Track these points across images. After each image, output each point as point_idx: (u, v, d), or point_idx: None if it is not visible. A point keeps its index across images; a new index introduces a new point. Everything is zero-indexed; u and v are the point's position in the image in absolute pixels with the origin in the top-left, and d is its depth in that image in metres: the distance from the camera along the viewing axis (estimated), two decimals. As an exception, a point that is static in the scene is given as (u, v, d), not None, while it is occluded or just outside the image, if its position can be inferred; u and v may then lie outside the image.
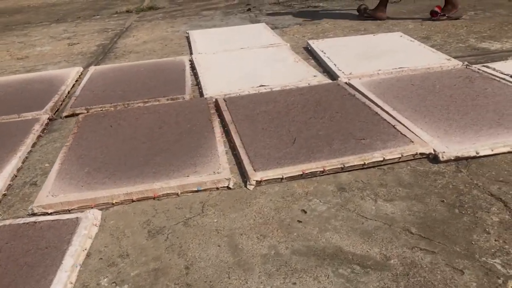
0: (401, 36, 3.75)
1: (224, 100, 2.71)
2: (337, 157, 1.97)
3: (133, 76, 3.36)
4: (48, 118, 2.77)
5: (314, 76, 3.01)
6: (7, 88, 3.32)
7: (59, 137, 2.54)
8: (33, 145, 2.44)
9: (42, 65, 4.00)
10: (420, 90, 2.63)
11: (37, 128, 2.60)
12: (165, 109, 2.71)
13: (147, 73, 3.39)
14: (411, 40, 3.60)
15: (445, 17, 4.26)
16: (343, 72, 3.00)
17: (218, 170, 1.94)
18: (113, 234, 1.67)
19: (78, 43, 4.75)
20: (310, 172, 1.91)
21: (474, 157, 1.94)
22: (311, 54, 3.62)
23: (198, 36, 4.36)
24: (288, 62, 3.34)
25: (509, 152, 1.97)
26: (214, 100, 2.75)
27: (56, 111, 2.92)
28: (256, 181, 1.88)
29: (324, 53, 3.43)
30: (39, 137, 2.55)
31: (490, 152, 1.96)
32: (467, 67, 2.94)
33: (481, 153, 1.96)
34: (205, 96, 2.85)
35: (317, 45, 3.69)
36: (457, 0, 4.25)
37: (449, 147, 1.99)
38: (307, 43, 3.80)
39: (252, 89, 2.87)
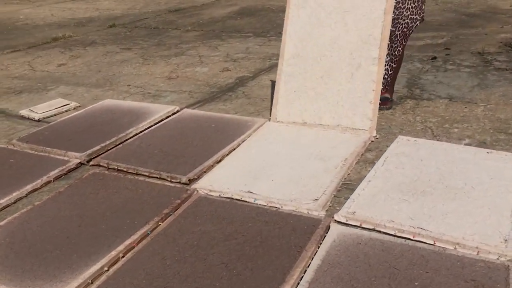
0: None
1: (200, 198, 2.66)
2: None
3: (197, 131, 3.54)
4: (80, 163, 3.24)
5: (315, 199, 2.58)
6: (102, 116, 3.96)
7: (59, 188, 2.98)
8: (27, 194, 2.95)
9: (171, 92, 4.53)
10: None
11: (53, 173, 3.09)
12: (142, 188, 2.82)
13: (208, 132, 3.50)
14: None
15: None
16: (348, 210, 2.47)
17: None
18: None
19: (229, 70, 5.11)
20: None
21: None
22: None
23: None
24: (329, 164, 2.92)
25: None
26: (195, 192, 2.72)
27: (97, 155, 3.35)
28: None
29: (375, 171, 2.83)
30: (47, 183, 3.04)
31: None
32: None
33: None
34: (192, 186, 2.82)
35: (394, 148, 3.05)
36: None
37: None
38: (398, 138, 3.19)
39: (237, 193, 2.68)
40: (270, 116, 3.58)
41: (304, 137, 3.29)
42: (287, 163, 2.95)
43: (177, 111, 3.99)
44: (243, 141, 3.32)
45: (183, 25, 7.63)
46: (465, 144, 3.10)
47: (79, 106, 4.34)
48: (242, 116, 3.79)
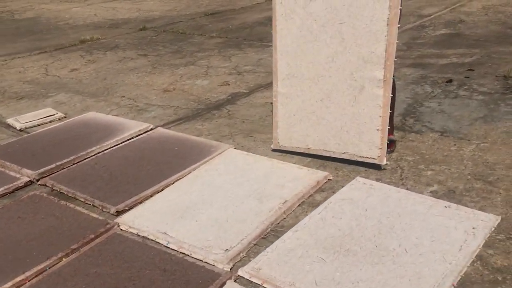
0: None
1: (114, 235, 2.57)
2: None
3: (157, 154, 3.46)
4: (30, 181, 3.26)
5: (227, 249, 2.40)
6: (78, 130, 3.98)
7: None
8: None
9: (158, 106, 4.49)
10: None
11: (-4, 191, 3.13)
12: (67, 217, 2.77)
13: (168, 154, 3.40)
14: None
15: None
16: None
17: None
18: None
19: (228, 84, 4.99)
20: None
21: None
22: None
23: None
24: (265, 206, 2.72)
25: None
26: (115, 227, 2.64)
27: (48, 175, 3.36)
28: None
29: (309, 219, 2.59)
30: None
31: None
32: None
33: None
34: (117, 219, 2.74)
35: (345, 192, 2.79)
36: None
37: None
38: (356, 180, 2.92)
39: (153, 233, 2.56)
40: (273, 135, 3.45)
41: (257, 170, 3.09)
42: (223, 201, 2.78)
43: (151, 129, 3.92)
44: (194, 170, 3.18)
45: (211, 31, 7.58)
46: (431, 192, 2.77)
47: (65, 117, 4.40)
48: (211, 139, 3.65)
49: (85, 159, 3.51)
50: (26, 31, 8.84)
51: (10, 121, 4.36)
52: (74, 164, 3.44)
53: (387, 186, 2.79)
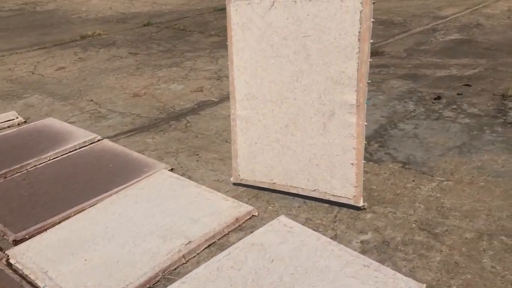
0: None
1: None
2: None
3: (89, 171, 3.21)
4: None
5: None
6: (26, 138, 3.77)
7: None
8: None
9: (119, 113, 4.22)
10: None
11: None
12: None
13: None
14: None
15: None
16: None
17: None
18: None
19: (201, 91, 4.67)
20: None
21: None
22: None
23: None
24: (166, 246, 2.39)
25: None
26: (3, 260, 2.39)
27: (-26, 189, 3.15)
28: None
29: (203, 268, 2.25)
30: None
31: None
32: None
33: None
34: (10, 250, 2.49)
35: (258, 235, 2.42)
36: None
37: None
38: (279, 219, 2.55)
39: (35, 272, 2.29)
40: (233, 168, 3.07)
41: (180, 199, 2.77)
42: (125, 236, 2.48)
43: (98, 140, 3.66)
44: (116, 193, 2.89)
45: (212, 28, 7.25)
46: (361, 241, 2.36)
47: (25, 122, 4.21)
48: (153, 156, 3.35)
49: (17, 173, 3.28)
50: (39, 24, 8.80)
51: (-33, 124, 4.21)
52: (5, 178, 3.22)
53: (308, 231, 2.40)
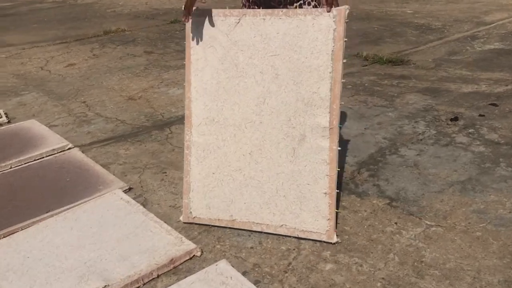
0: None
1: None
2: None
3: (44, 184, 2.92)
4: None
5: None
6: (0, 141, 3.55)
7: None
8: None
9: (105, 119, 3.94)
10: None
11: None
12: None
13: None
14: None
15: None
16: None
17: None
18: None
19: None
20: None
21: None
22: None
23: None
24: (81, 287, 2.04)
25: None
26: None
27: None
28: None
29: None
30: None
31: None
32: None
33: None
34: None
35: (192, 283, 2.02)
36: None
37: None
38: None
39: None
40: (183, 209, 2.52)
41: (120, 228, 2.41)
42: (42, 271, 2.15)
43: (69, 149, 3.37)
44: (56, 214, 2.57)
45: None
46: (308, 303, 1.91)
47: (8, 122, 3.99)
48: (119, 171, 3.02)
49: (-28, 181, 3.03)
50: (73, 18, 8.75)
51: (-47, 122, 4.04)
52: (-41, 186, 2.98)
53: (246, 284, 1.97)
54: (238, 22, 2.23)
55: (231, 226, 2.38)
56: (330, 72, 2.11)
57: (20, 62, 5.90)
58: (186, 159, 2.44)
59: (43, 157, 3.28)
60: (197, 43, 2.31)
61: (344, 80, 2.13)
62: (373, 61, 4.80)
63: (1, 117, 4.05)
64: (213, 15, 2.26)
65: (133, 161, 3.15)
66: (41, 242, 2.35)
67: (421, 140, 3.17)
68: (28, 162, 3.23)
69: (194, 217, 2.45)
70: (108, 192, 2.73)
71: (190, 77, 2.36)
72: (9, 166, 3.18)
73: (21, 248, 2.31)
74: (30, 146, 3.42)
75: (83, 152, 3.33)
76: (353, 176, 2.77)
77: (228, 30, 2.25)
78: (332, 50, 2.09)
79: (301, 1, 2.34)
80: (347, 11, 2.06)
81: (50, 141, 3.48)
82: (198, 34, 2.29)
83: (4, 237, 2.45)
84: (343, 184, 2.69)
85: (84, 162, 3.14)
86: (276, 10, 2.18)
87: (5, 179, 3.03)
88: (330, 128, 2.14)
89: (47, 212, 2.61)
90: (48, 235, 2.40)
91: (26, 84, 4.98)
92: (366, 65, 4.76)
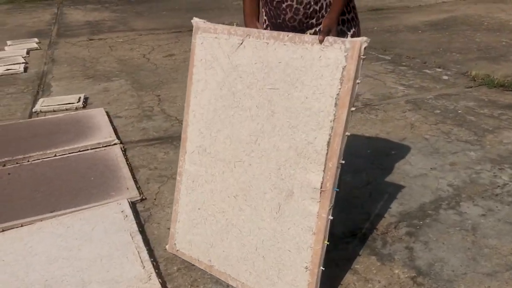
0: None
1: None
2: None
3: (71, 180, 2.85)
4: None
5: None
6: (59, 126, 3.58)
7: None
8: None
9: (166, 116, 3.81)
10: None
11: None
12: None
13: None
14: None
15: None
16: None
17: None
18: None
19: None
20: None
21: None
22: None
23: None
24: None
25: None
26: None
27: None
28: None
29: None
30: None
31: None
32: None
33: None
34: None
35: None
36: None
37: None
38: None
39: None
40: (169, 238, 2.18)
41: (100, 246, 2.18)
42: (2, 282, 2.02)
43: (114, 144, 3.28)
44: (55, 217, 2.45)
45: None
46: None
47: (83, 108, 4.06)
48: (131, 179, 2.82)
49: (17, 163, 3.08)
50: (200, 8, 8.89)
51: (39, 101, 4.23)
52: (4, 166, 3.05)
53: None
54: (241, 44, 1.84)
55: (209, 271, 2.02)
56: (331, 121, 1.61)
57: (130, 48, 6.07)
58: (177, 187, 2.13)
59: (87, 149, 3.22)
60: (200, 62, 1.98)
61: (348, 134, 1.62)
62: (481, 82, 3.97)
63: (78, 101, 4.12)
64: (218, 32, 1.91)
65: (163, 168, 2.93)
66: (25, 245, 2.22)
67: (496, 195, 2.45)
68: (71, 153, 3.19)
69: (177, 249, 2.14)
70: (115, 202, 2.54)
71: (189, 99, 2.03)
72: (54, 154, 3.17)
73: (3, 248, 2.21)
74: (83, 135, 3.39)
75: (125, 150, 3.21)
76: (386, 231, 2.22)
77: (230, 51, 1.87)
78: (338, 94, 1.59)
79: (316, 28, 1.88)
80: (365, 44, 1.55)
81: (102, 133, 3.42)
82: (201, 52, 1.97)
83: (4, 231, 2.37)
84: (369, 239, 2.16)
85: (115, 163, 3.00)
86: (282, 34, 1.74)
87: (41, 167, 3.01)
88: (322, 190, 1.65)
89: (50, 212, 2.50)
90: (34, 239, 2.27)
91: (121, 71, 5.06)
92: (471, 87, 3.95)
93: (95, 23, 8.28)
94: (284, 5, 1.79)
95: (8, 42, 6.61)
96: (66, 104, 4.08)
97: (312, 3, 1.78)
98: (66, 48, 6.33)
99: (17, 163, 3.07)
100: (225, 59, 1.89)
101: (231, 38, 1.87)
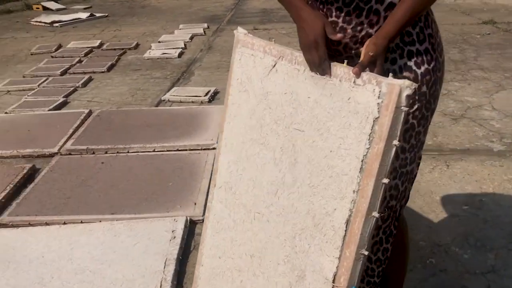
0: None
1: None
2: None
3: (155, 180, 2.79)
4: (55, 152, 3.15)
5: None
6: (130, 120, 3.56)
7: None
8: None
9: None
10: None
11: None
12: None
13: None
14: None
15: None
16: None
17: None
18: None
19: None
20: None
21: None
22: None
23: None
24: None
25: None
26: None
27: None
28: None
29: None
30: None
31: None
32: None
33: None
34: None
35: None
36: None
37: None
38: None
39: None
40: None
41: (126, 271, 2.01)
42: (38, 271, 1.99)
43: (213, 148, 3.10)
44: (111, 221, 2.36)
45: None
46: None
47: (209, 102, 3.98)
48: (203, 194, 2.57)
49: (117, 153, 3.11)
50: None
51: (172, 90, 4.28)
52: (105, 153, 3.10)
53: None
54: (274, 66, 1.40)
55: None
56: (354, 191, 1.12)
57: (287, 41, 5.83)
58: (204, 223, 1.79)
59: (185, 150, 3.09)
60: (236, 81, 1.59)
61: (378, 215, 1.09)
62: None
63: (205, 95, 4.04)
64: (254, 48, 1.49)
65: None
66: (68, 246, 2.17)
67: None
68: (168, 150, 3.10)
69: (200, 295, 1.82)
70: (173, 217, 2.32)
71: (223, 124, 1.66)
72: (153, 149, 3.11)
73: (51, 244, 2.18)
74: (189, 133, 3.28)
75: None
76: None
77: (263, 74, 1.45)
78: (365, 155, 1.10)
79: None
80: (409, 91, 1.01)
81: (206, 134, 3.27)
82: (238, 70, 1.57)
83: (65, 223, 2.36)
84: None
85: (200, 170, 2.80)
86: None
87: (133, 161, 2.98)
88: (336, 286, 1.16)
89: (111, 214, 2.41)
90: (80, 241, 2.19)
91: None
92: None
93: (269, 11, 8.23)
94: (329, 20, 1.25)
95: (180, 26, 6.92)
96: (193, 96, 4.02)
97: (366, 24, 1.22)
98: (228, 36, 6.36)
99: (117, 153, 3.09)
100: (258, 83, 1.47)
101: (265, 57, 1.44)
